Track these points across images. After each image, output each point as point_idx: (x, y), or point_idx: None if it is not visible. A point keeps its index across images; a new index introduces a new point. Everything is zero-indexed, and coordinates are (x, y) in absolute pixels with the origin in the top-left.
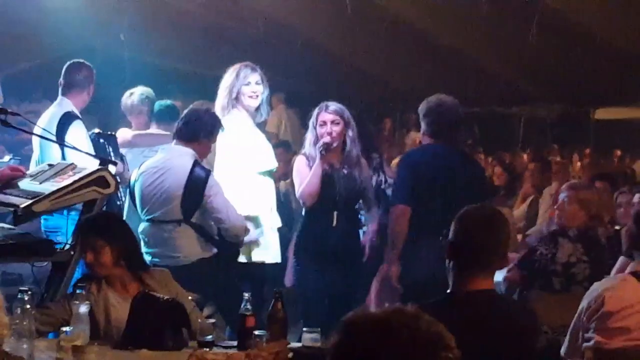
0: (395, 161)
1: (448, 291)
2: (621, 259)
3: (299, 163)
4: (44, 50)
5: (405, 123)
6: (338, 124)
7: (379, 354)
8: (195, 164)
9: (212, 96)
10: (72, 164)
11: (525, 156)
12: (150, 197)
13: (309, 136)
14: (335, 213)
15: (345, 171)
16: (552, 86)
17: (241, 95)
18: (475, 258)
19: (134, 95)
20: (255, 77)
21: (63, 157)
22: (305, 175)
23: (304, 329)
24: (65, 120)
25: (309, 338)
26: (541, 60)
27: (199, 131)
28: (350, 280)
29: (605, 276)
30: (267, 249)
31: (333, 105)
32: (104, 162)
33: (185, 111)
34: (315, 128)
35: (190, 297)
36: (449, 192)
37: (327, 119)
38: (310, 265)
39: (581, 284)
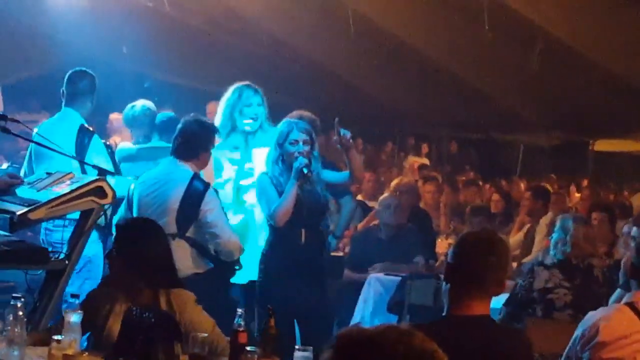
0: (394, 182)
1: (443, 314)
2: (618, 290)
3: (263, 182)
4: (44, 61)
5: (403, 146)
6: (308, 144)
7: None
8: (194, 177)
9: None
10: (70, 173)
11: (522, 184)
12: (146, 208)
13: (273, 154)
14: (303, 230)
15: (309, 188)
16: (552, 115)
17: (241, 115)
18: (472, 282)
19: (136, 108)
20: (257, 99)
21: (83, 172)
22: (271, 194)
23: (296, 346)
24: (84, 137)
25: (301, 356)
26: (542, 88)
27: (197, 148)
28: (319, 296)
29: (600, 305)
30: None
31: (303, 124)
32: (102, 172)
33: (179, 126)
34: (280, 146)
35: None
36: None
37: (300, 139)
38: (278, 282)
39: (563, 311)
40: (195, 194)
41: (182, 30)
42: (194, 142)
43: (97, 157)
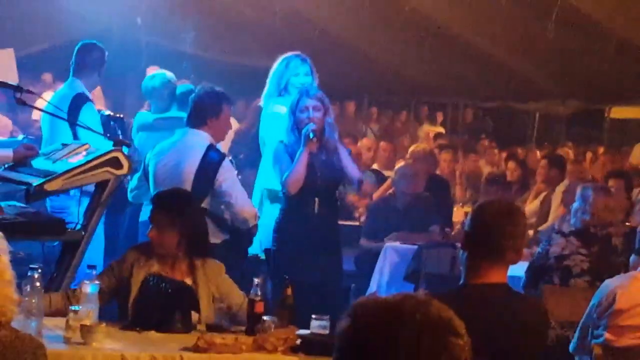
0: (411, 149)
1: (460, 282)
2: (633, 257)
3: (278, 150)
4: (60, 33)
5: (418, 115)
6: (319, 110)
7: (389, 338)
8: (210, 147)
9: (226, 82)
10: (86, 144)
11: (539, 152)
12: (162, 178)
13: (287, 123)
14: (316, 200)
15: (324, 157)
16: (568, 83)
17: (289, 85)
18: (490, 250)
19: (156, 79)
20: (304, 68)
21: (75, 138)
22: (285, 162)
23: (313, 316)
24: (78, 102)
25: (317, 325)
26: (558, 56)
27: (204, 114)
28: (334, 266)
29: (618, 273)
30: None
31: (314, 91)
32: (118, 143)
33: (191, 97)
34: (293, 114)
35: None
36: None
37: (309, 105)
38: (292, 252)
39: (580, 277)
40: (211, 164)
41: (200, 2)
42: (201, 110)
43: (89, 121)
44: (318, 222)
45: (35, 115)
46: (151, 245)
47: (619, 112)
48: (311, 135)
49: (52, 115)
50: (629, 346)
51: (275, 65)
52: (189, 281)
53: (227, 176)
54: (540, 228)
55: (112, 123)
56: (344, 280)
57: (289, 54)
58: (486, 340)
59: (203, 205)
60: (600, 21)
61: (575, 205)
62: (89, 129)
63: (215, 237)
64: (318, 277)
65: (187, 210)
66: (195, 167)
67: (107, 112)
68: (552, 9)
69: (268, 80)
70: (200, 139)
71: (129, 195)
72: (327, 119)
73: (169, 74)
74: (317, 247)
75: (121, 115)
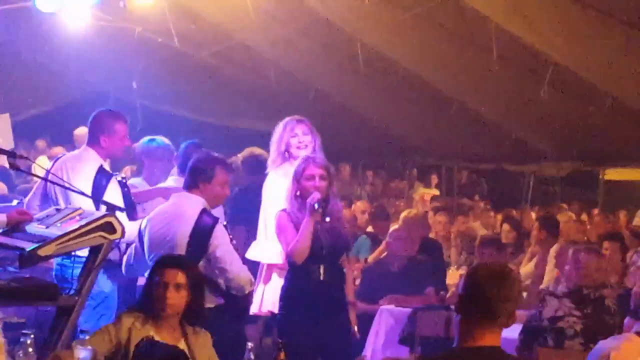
0: (404, 215)
1: (453, 345)
2: (628, 318)
3: (281, 220)
4: (55, 97)
5: (413, 178)
6: (325, 178)
7: None
8: (203, 211)
9: (221, 145)
10: (79, 208)
11: (533, 214)
12: (157, 243)
13: (290, 190)
14: (322, 267)
15: (328, 226)
16: (562, 144)
17: (290, 147)
18: (483, 313)
19: (157, 141)
20: (301, 128)
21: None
22: (290, 232)
23: None
24: (102, 177)
25: None
26: (552, 118)
27: (196, 178)
28: (341, 332)
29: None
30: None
31: (319, 159)
32: (111, 207)
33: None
34: (297, 181)
35: None
36: None
37: (316, 173)
38: (299, 319)
39: (574, 339)
40: (204, 228)
41: (191, 64)
42: (194, 173)
43: (113, 197)
44: (324, 289)
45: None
46: (146, 309)
47: (613, 174)
48: (316, 206)
49: (72, 190)
50: None
51: (275, 130)
52: (182, 346)
53: (221, 241)
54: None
55: (125, 189)
56: (351, 347)
57: (287, 118)
58: None
59: None
60: (593, 82)
61: (567, 267)
62: (112, 206)
63: (210, 302)
64: (326, 343)
65: (197, 274)
66: (188, 232)
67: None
68: (546, 71)
69: (270, 146)
70: (193, 203)
71: (124, 269)
72: (331, 187)
73: (167, 140)
74: (323, 314)
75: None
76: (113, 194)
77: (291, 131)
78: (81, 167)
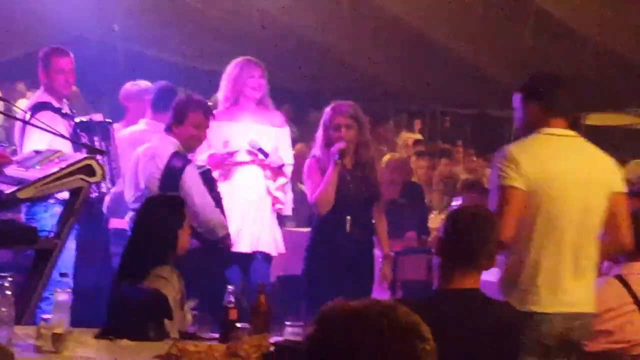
0: (386, 158)
1: (434, 288)
2: (606, 263)
3: (310, 167)
4: (36, 40)
5: (397, 123)
6: (351, 127)
7: (355, 343)
8: (175, 154)
9: (204, 88)
10: (59, 151)
11: None
12: (136, 183)
13: (320, 137)
14: (348, 218)
15: (358, 174)
16: None
17: (245, 88)
18: (463, 256)
19: (139, 84)
20: (258, 70)
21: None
22: (316, 179)
23: (287, 322)
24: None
25: (291, 332)
26: (535, 63)
27: (171, 119)
28: (362, 288)
29: None
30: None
31: (346, 107)
32: (92, 150)
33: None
34: (327, 129)
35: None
36: None
37: (342, 123)
38: (322, 271)
39: None
40: (174, 171)
41: (174, 7)
42: (170, 115)
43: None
44: (350, 243)
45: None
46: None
47: (595, 119)
48: (337, 156)
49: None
50: (602, 351)
51: (228, 69)
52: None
53: (190, 183)
54: None
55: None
56: None
57: (241, 58)
58: (460, 345)
59: None
60: (576, 28)
61: None
62: (90, 147)
63: None
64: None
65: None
66: (159, 174)
67: (86, 119)
68: (529, 17)
69: (222, 84)
70: (166, 145)
71: (105, 209)
72: (361, 135)
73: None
74: (348, 269)
75: (106, 120)
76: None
77: (249, 72)
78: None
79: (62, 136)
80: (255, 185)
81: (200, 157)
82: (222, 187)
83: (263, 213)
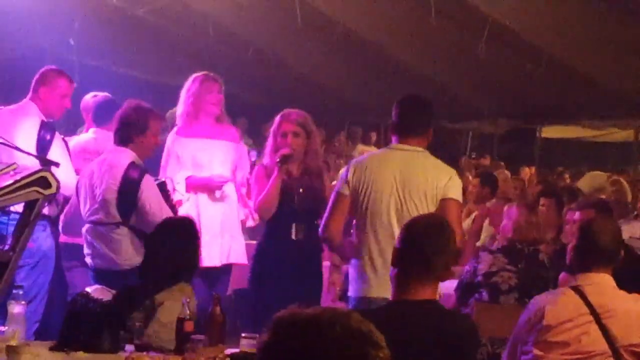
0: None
1: (390, 298)
2: (563, 273)
3: (257, 173)
4: None
5: (352, 136)
6: (299, 135)
7: (308, 350)
8: (130, 165)
9: (163, 102)
10: (14, 163)
11: (468, 174)
12: (91, 198)
13: (269, 145)
14: (294, 225)
15: (304, 182)
16: (500, 102)
17: (205, 103)
18: (420, 266)
19: (100, 96)
20: (217, 86)
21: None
22: (263, 186)
23: (242, 334)
24: (46, 133)
25: (247, 344)
26: (490, 76)
27: (131, 131)
28: (310, 296)
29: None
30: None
31: (295, 115)
32: (47, 162)
33: (117, 112)
34: (275, 136)
35: None
36: None
37: (289, 130)
38: (270, 278)
39: (508, 294)
40: (132, 182)
41: (129, 21)
42: (127, 126)
43: (58, 155)
44: (296, 248)
45: None
46: None
47: (550, 132)
48: (277, 162)
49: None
50: None
51: (187, 84)
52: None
53: (148, 194)
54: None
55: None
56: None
57: (199, 73)
58: (415, 356)
59: (132, 223)
60: (530, 40)
61: (502, 223)
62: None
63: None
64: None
65: None
66: (116, 187)
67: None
68: (484, 28)
69: (182, 98)
70: (122, 158)
71: (61, 227)
72: (309, 143)
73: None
74: (295, 277)
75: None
76: (56, 151)
77: (208, 88)
78: (21, 120)
79: (35, 156)
80: (224, 197)
81: (177, 177)
82: (190, 202)
83: (232, 223)
